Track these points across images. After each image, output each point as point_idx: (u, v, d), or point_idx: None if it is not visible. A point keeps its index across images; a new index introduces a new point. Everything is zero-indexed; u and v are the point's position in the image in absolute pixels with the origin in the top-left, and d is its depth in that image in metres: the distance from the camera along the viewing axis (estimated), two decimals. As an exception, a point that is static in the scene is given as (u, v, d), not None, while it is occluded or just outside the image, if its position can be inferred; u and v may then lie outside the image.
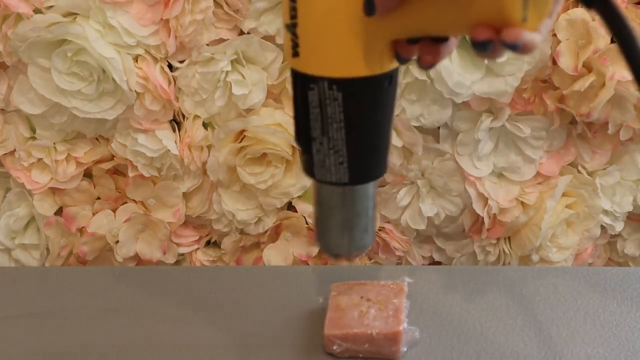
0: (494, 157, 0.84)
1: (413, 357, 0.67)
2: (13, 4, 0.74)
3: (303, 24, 0.45)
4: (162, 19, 0.76)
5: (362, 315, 0.67)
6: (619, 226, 0.89)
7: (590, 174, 0.86)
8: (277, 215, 0.87)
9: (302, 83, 0.47)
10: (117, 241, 0.87)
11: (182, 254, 0.90)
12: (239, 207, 0.86)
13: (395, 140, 0.82)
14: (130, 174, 0.84)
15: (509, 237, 0.88)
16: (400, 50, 0.45)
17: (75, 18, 0.76)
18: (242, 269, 0.85)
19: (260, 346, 0.69)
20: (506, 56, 0.69)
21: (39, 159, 0.84)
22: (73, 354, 0.69)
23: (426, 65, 0.45)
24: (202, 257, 0.90)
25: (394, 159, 0.83)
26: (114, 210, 0.88)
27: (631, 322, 0.70)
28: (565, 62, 0.78)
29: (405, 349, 0.67)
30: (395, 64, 0.47)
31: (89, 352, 0.69)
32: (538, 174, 0.85)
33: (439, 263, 0.91)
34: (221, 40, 0.79)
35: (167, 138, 0.81)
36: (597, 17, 0.43)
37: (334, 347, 0.66)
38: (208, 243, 0.92)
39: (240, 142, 0.82)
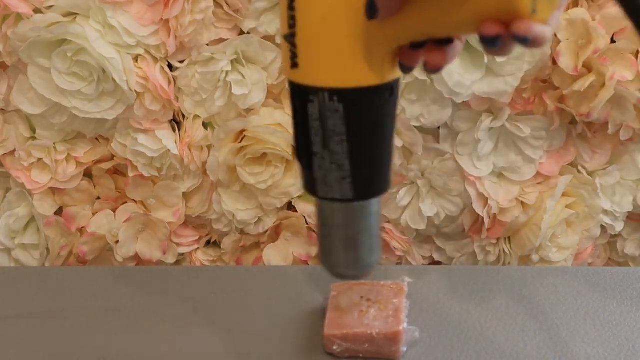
0: (494, 157, 0.84)
1: (413, 357, 0.67)
2: (13, 4, 0.74)
3: (302, 32, 0.44)
4: (162, 19, 0.76)
5: (362, 315, 0.67)
6: (619, 226, 0.89)
7: (590, 174, 0.86)
8: (277, 215, 0.87)
9: (301, 95, 0.45)
10: (117, 241, 0.87)
11: (182, 254, 0.90)
12: (239, 207, 0.86)
13: (396, 140, 0.82)
14: (130, 174, 0.84)
15: (509, 237, 0.88)
16: (404, 58, 0.44)
17: (75, 18, 0.76)
18: (242, 269, 0.85)
19: (260, 346, 0.69)
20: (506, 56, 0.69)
21: (39, 159, 0.84)
22: (73, 354, 0.69)
23: (433, 68, 0.43)
24: (202, 257, 0.90)
25: (394, 159, 0.82)
26: (114, 210, 0.88)
27: (631, 322, 0.70)
28: (565, 62, 0.77)
29: (405, 349, 0.67)
30: (398, 74, 0.46)
31: (89, 352, 0.69)
32: (538, 174, 0.85)
33: (439, 263, 0.91)
34: (221, 40, 0.79)
35: (167, 138, 0.81)
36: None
37: (334, 347, 0.66)
38: (208, 243, 0.92)
39: (240, 142, 0.82)
